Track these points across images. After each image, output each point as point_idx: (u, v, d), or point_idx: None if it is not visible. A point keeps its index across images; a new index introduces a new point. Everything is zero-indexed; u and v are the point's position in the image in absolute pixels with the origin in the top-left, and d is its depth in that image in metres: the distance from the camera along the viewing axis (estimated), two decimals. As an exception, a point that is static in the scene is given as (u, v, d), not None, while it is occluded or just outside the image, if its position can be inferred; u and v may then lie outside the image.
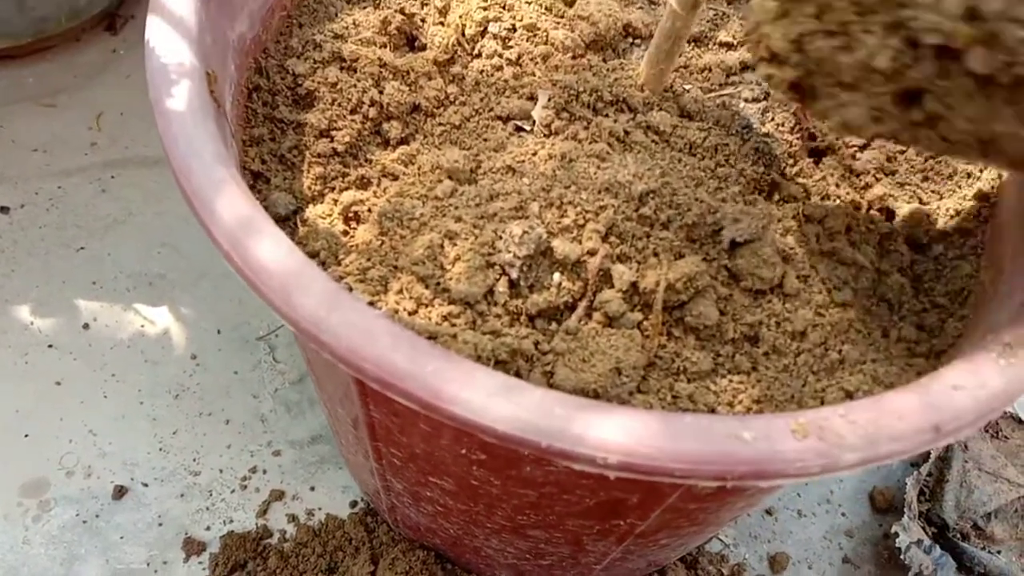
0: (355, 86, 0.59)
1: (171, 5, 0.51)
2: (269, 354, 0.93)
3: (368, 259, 0.52)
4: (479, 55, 0.62)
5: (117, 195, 1.04)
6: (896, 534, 0.84)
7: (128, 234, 1.01)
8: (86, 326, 0.94)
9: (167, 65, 0.48)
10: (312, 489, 0.85)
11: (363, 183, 0.57)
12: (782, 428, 0.41)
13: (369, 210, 0.55)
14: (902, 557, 0.82)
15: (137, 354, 0.92)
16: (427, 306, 0.50)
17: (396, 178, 0.57)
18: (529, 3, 0.65)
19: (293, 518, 0.83)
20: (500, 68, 0.61)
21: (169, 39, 0.49)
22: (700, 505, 0.57)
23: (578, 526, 0.59)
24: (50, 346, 0.92)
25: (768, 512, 0.90)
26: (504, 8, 0.65)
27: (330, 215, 0.55)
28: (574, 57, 0.62)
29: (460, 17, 0.64)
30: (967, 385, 0.44)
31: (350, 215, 0.55)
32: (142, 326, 0.94)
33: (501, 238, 0.50)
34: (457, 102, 0.60)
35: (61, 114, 1.11)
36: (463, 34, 0.63)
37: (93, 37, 1.21)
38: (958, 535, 0.88)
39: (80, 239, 1.00)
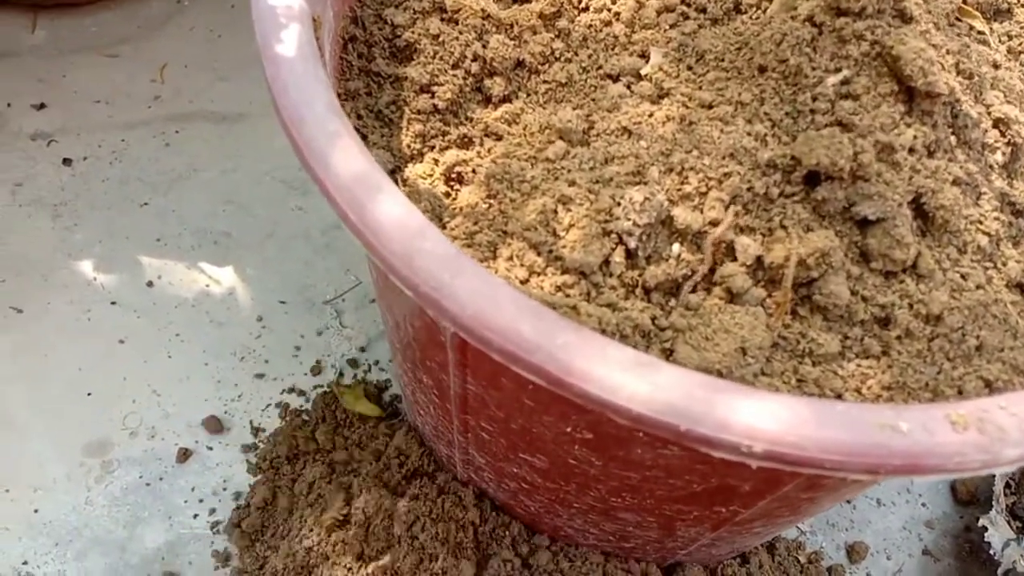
0: (457, 39, 0.55)
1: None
2: (336, 319, 0.90)
3: (475, 223, 0.48)
4: (587, 8, 0.58)
5: (181, 150, 1.02)
6: (984, 528, 0.80)
7: (193, 190, 0.99)
8: (150, 284, 0.92)
9: (275, 8, 0.44)
10: (379, 458, 0.83)
11: (465, 142, 0.54)
12: (940, 419, 0.38)
13: (473, 171, 0.52)
14: (993, 553, 0.78)
15: (202, 314, 0.90)
16: (539, 275, 0.47)
17: (500, 138, 0.54)
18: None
19: (360, 487, 0.81)
20: (609, 23, 0.57)
21: (276, -20, 0.46)
22: (812, 495, 0.54)
23: (676, 511, 0.56)
24: (113, 303, 0.90)
25: (847, 500, 0.86)
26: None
27: (431, 175, 0.52)
28: (686, 14, 0.58)
29: (565, -32, 0.60)
30: None
31: (452, 176, 0.52)
32: (207, 285, 0.92)
33: (619, 204, 0.47)
34: (563, 58, 0.57)
35: (124, 65, 1.09)
36: (568, -14, 0.59)
37: (157, -13, 1.18)
38: (1043, 531, 0.84)
39: (144, 194, 0.98)
